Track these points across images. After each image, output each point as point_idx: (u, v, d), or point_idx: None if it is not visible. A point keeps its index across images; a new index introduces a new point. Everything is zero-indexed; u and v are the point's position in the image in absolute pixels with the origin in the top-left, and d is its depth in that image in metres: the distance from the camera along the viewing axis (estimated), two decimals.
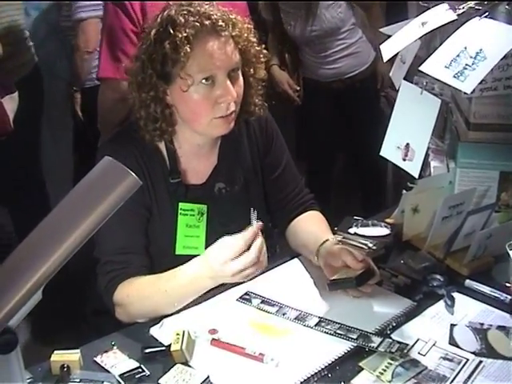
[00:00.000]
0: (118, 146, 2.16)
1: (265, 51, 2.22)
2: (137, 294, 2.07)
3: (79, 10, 3.90)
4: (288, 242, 2.46)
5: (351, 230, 2.41)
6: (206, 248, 2.18)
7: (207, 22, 2.01)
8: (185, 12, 2.03)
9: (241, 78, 2.12)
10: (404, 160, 2.03)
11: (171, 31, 2.00)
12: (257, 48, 2.17)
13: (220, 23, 2.02)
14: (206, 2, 2.09)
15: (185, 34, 1.98)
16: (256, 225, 1.98)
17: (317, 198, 2.52)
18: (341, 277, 2.06)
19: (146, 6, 3.04)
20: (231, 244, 1.96)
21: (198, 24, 2.00)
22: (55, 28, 4.32)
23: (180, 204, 2.19)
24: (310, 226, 2.39)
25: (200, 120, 2.10)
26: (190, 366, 1.83)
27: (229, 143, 2.26)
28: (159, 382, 1.76)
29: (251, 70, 2.18)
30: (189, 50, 1.98)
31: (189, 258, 2.14)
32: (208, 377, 1.77)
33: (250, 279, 2.05)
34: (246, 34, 2.11)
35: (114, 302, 2.10)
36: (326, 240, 2.21)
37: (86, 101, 4.10)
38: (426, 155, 2.60)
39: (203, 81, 2.03)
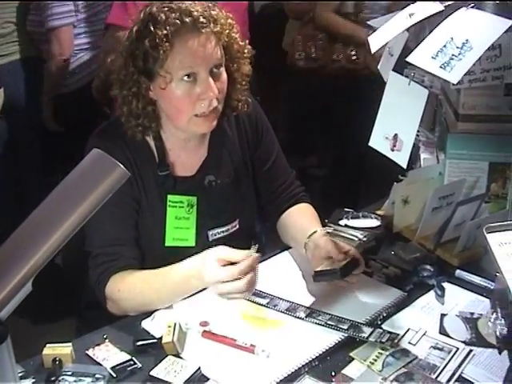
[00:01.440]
0: (105, 139, 2.16)
1: (248, 46, 2.22)
2: (128, 289, 2.07)
3: (51, 18, 3.83)
4: (279, 235, 2.47)
5: (342, 222, 2.42)
6: (196, 240, 2.21)
7: (188, 19, 2.01)
8: (166, 9, 2.03)
9: (224, 75, 2.12)
10: (392, 150, 2.04)
11: (152, 28, 2.01)
12: (240, 43, 2.18)
13: (201, 20, 2.02)
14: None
15: (165, 32, 1.99)
16: (255, 256, 1.92)
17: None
18: (325, 268, 2.07)
19: None
20: (229, 270, 1.90)
21: (178, 21, 2.00)
22: None
23: (168, 196, 2.20)
24: (299, 218, 2.40)
25: (181, 117, 2.10)
26: (181, 358, 1.83)
27: (219, 136, 2.27)
28: (151, 373, 1.76)
29: (235, 65, 2.19)
30: (168, 47, 1.99)
31: (179, 249, 2.16)
32: (199, 368, 1.78)
33: None
34: (227, 30, 2.11)
35: (105, 296, 2.10)
36: (314, 232, 2.22)
37: (62, 107, 4.08)
38: (417, 148, 2.61)
39: (185, 77, 2.04)
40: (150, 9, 2.06)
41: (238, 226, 2.32)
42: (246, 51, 2.20)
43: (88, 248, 2.16)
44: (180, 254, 2.12)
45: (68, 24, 3.86)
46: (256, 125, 2.38)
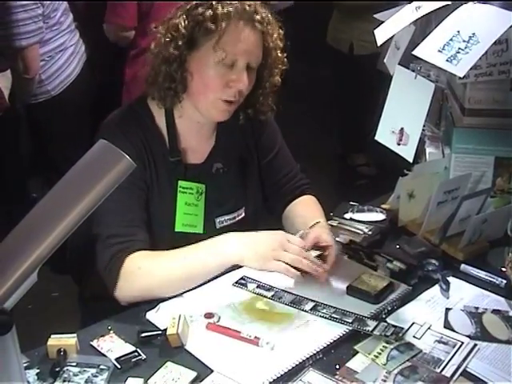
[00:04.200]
0: (122, 123, 2.20)
1: (285, 59, 2.27)
2: (151, 264, 2.05)
3: (19, 37, 3.72)
4: (285, 228, 2.46)
5: (347, 216, 2.43)
6: (204, 227, 2.26)
7: (248, 9, 2.09)
8: None
9: (254, 75, 2.18)
10: (399, 144, 2.04)
11: (214, 3, 2.08)
12: (279, 54, 2.23)
13: (257, 17, 2.10)
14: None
15: (226, 11, 2.06)
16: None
17: None
18: (361, 287, 2.08)
19: None
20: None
21: (239, 6, 2.08)
22: None
23: (179, 182, 2.22)
24: (303, 210, 2.42)
25: (208, 95, 2.15)
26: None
27: (226, 125, 2.30)
28: (148, 382, 1.74)
29: (269, 72, 2.25)
30: (225, 25, 2.06)
31: (188, 235, 2.20)
32: (197, 376, 1.76)
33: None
34: (275, 36, 2.19)
35: (119, 277, 2.05)
36: (317, 222, 2.24)
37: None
38: (423, 142, 2.61)
39: (224, 60, 2.09)
40: None
41: (243, 214, 2.35)
42: (281, 63, 2.26)
43: (97, 231, 2.11)
44: (188, 240, 2.14)
45: (36, 43, 3.81)
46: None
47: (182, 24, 2.10)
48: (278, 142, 2.47)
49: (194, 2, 2.11)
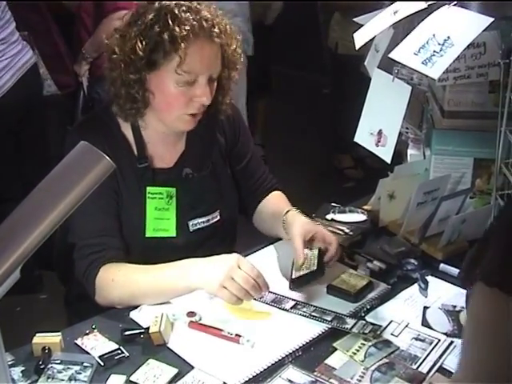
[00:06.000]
0: (84, 133, 2.16)
1: (242, 58, 2.27)
2: (124, 277, 2.08)
3: None
4: (256, 225, 2.54)
5: (328, 217, 2.46)
6: (177, 230, 2.25)
7: (205, 25, 2.07)
8: (184, 8, 2.08)
9: (215, 83, 2.19)
10: (377, 146, 2.08)
11: (170, 23, 2.05)
12: (236, 55, 2.24)
13: (216, 30, 2.09)
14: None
15: (184, 32, 2.04)
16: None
17: None
18: (341, 286, 2.12)
19: None
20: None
21: (196, 24, 2.05)
22: None
23: (148, 188, 2.23)
24: (273, 203, 2.47)
25: (172, 112, 2.16)
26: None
27: (197, 132, 2.30)
28: (130, 378, 1.78)
29: (227, 73, 2.24)
30: (184, 47, 2.04)
31: (160, 240, 2.22)
32: (178, 373, 1.79)
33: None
34: (234, 45, 2.19)
35: (95, 286, 2.11)
36: (288, 211, 2.31)
37: None
38: (406, 144, 2.65)
39: (186, 79, 2.09)
40: (165, 2, 2.09)
41: (219, 217, 2.35)
42: (239, 62, 2.26)
43: (72, 240, 2.18)
44: (161, 245, 2.20)
45: None
46: (234, 126, 2.45)
47: (140, 46, 2.07)
48: (250, 147, 2.51)
49: (149, 20, 2.08)
